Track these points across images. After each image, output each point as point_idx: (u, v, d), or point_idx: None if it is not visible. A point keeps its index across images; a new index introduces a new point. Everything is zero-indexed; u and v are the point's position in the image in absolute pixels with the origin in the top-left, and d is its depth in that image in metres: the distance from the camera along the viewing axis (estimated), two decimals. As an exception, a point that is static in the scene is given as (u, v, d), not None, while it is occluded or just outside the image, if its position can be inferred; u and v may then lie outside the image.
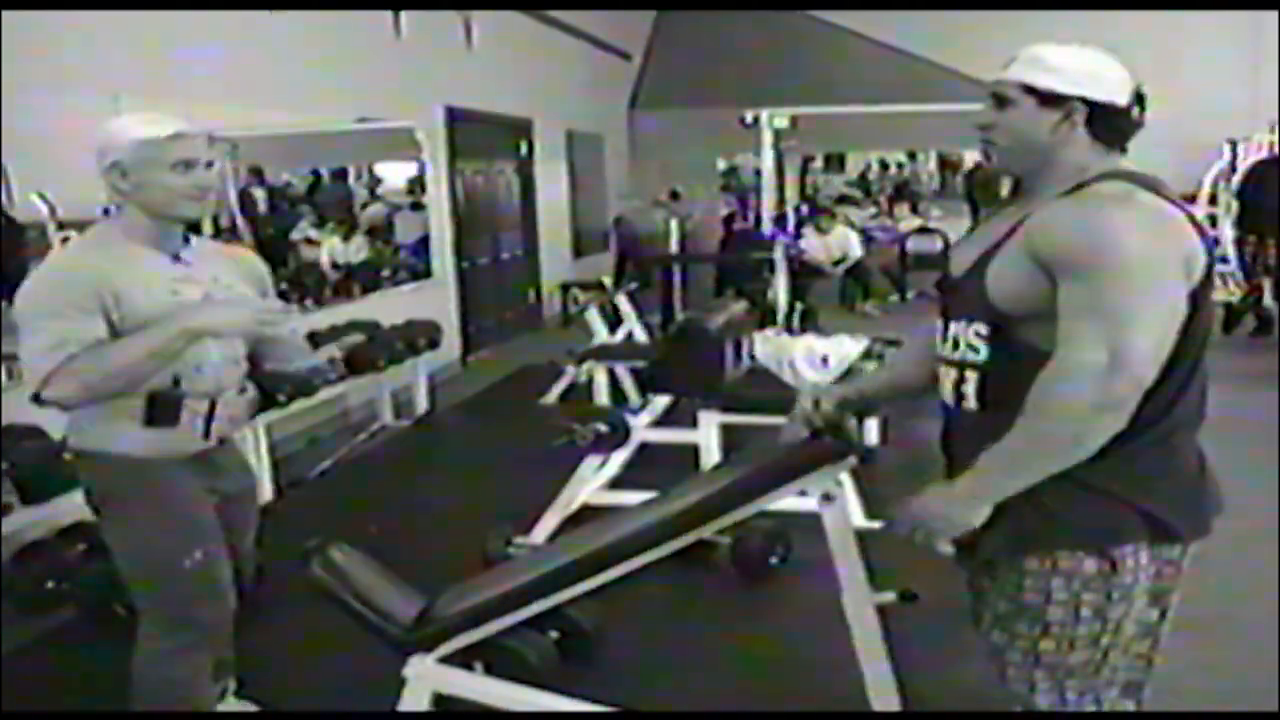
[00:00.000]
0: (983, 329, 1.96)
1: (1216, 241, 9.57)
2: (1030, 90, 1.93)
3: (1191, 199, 10.16)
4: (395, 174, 8.95)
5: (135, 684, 2.77)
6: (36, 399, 2.51)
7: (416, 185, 8.70)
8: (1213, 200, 11.16)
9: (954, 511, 1.94)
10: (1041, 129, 1.93)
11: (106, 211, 4.83)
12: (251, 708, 3.20)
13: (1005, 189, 2.15)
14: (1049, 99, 1.92)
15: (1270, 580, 3.94)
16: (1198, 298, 1.85)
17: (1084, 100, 1.91)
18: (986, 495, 1.91)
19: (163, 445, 2.65)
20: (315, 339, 6.47)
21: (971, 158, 13.85)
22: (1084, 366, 1.77)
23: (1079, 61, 1.93)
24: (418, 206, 8.73)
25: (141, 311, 2.54)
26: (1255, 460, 5.35)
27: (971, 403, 2.01)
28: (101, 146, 2.59)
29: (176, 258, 2.67)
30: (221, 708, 3.09)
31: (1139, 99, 1.95)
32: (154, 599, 2.75)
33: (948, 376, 2.07)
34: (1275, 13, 11.50)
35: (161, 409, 2.62)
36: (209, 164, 2.66)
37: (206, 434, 2.74)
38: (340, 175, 8.65)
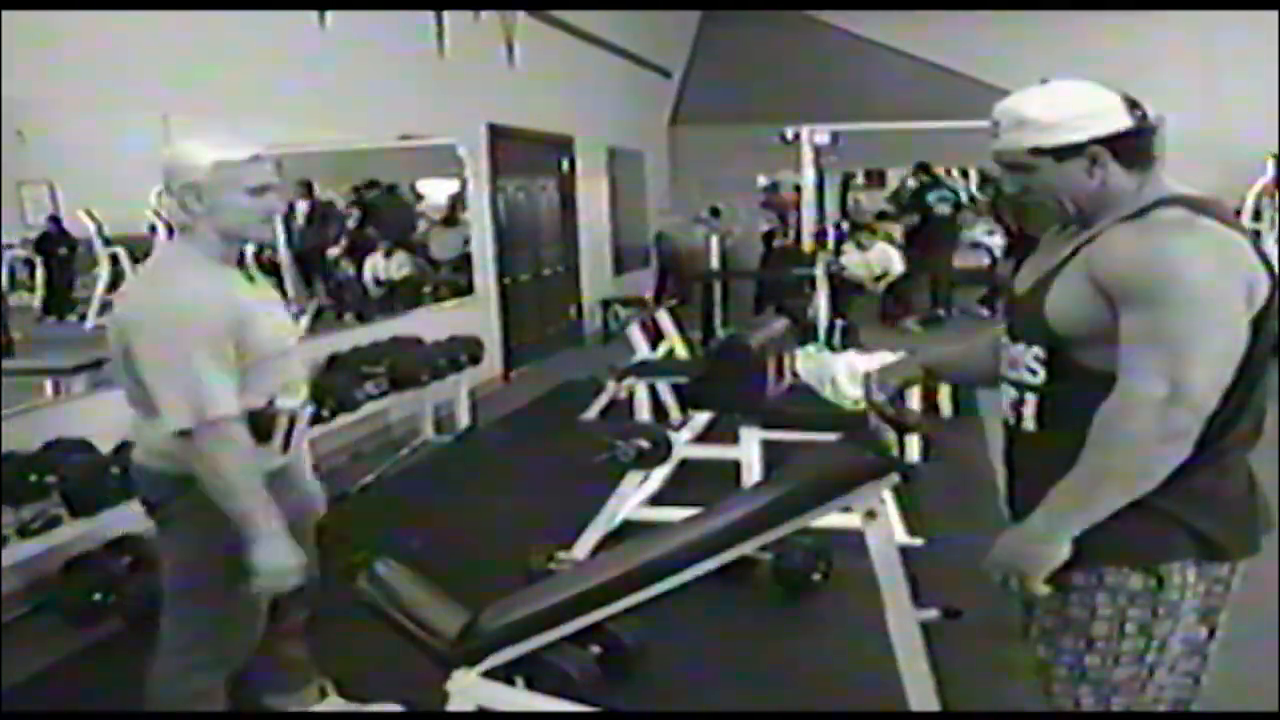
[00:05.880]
0: (1040, 353, 1.96)
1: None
2: (1040, 152, 1.91)
3: (1235, 214, 10.00)
4: (437, 191, 8.98)
5: (150, 692, 2.81)
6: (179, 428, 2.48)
7: (458, 202, 8.73)
8: (1256, 215, 11.02)
9: (1037, 550, 1.92)
10: (1077, 177, 1.91)
11: (153, 229, 4.98)
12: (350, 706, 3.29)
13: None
14: (1064, 152, 1.90)
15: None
16: (1259, 323, 1.84)
17: (1096, 140, 1.88)
18: (1062, 531, 1.89)
19: None
20: (358, 354, 6.54)
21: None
22: (1145, 399, 1.77)
23: (1068, 106, 1.90)
24: (459, 223, 8.77)
25: (264, 334, 2.63)
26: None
27: (1029, 423, 2.01)
28: (173, 167, 2.60)
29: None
30: (321, 708, 3.23)
31: (1133, 105, 1.91)
32: (185, 618, 2.77)
33: (1007, 394, 2.07)
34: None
35: (261, 426, 2.66)
36: (274, 188, 2.70)
37: (286, 448, 2.79)
38: (390, 191, 8.68)
